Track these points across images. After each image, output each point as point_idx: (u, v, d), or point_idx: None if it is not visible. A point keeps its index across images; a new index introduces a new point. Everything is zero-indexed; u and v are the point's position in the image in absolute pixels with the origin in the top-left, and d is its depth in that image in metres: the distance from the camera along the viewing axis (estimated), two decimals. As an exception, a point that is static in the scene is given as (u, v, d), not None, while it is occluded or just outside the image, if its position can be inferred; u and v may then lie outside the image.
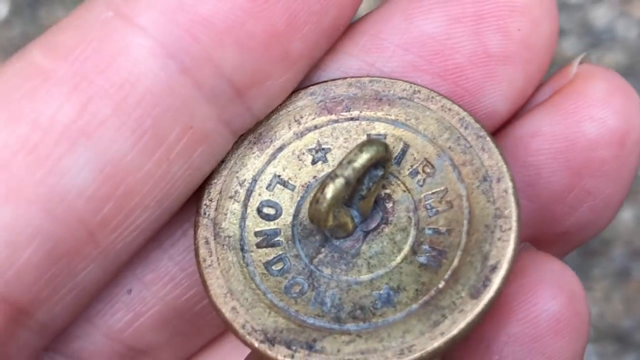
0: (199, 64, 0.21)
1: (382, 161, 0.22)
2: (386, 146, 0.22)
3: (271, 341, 0.21)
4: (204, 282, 0.22)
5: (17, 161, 0.20)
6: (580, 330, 0.22)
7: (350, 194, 0.22)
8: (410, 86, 0.23)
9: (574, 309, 0.22)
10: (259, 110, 0.23)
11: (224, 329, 0.25)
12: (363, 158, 0.21)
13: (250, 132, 0.23)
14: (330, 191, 0.21)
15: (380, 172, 0.22)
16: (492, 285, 0.21)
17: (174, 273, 0.24)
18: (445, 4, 0.23)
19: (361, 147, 0.21)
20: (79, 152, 0.20)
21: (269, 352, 0.20)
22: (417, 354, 0.20)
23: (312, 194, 0.22)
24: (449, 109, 0.23)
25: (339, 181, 0.21)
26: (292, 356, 0.20)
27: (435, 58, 0.23)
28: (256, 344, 0.21)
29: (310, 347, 0.20)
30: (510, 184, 0.22)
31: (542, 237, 0.24)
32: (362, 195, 0.22)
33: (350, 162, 0.21)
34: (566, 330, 0.22)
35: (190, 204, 0.23)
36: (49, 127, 0.20)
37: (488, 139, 0.22)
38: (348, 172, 0.21)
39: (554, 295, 0.22)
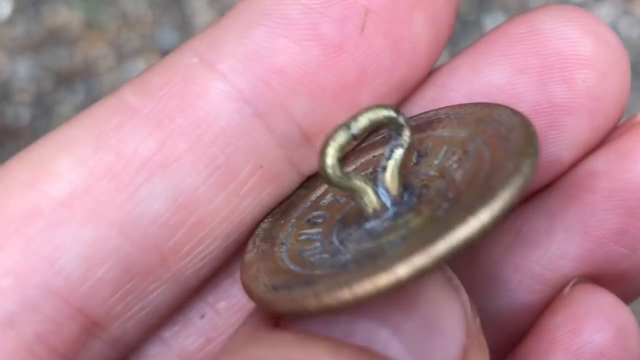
0: (271, 109, 0.23)
1: (395, 127, 0.22)
2: (397, 109, 0.22)
3: (275, 289, 0.21)
4: (241, 266, 0.23)
5: (101, 186, 0.22)
6: None
7: (373, 169, 0.23)
8: (457, 105, 0.24)
9: (621, 344, 0.22)
10: None
11: None
12: (367, 112, 0.21)
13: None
14: (331, 135, 0.21)
15: (399, 142, 0.22)
16: (489, 200, 0.20)
17: (243, 303, 0.25)
18: (511, 56, 0.24)
19: (367, 107, 0.22)
20: (156, 182, 0.22)
21: (273, 299, 0.21)
22: (401, 268, 0.19)
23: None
24: (489, 107, 0.23)
25: (340, 127, 0.21)
26: (290, 296, 0.21)
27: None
28: (264, 295, 0.21)
29: (307, 284, 0.21)
30: (525, 132, 0.21)
31: (601, 276, 0.24)
32: (384, 166, 0.22)
33: (354, 115, 0.22)
34: None
35: None
36: (131, 158, 0.22)
37: (517, 113, 0.22)
38: (349, 120, 0.21)
39: (601, 327, 0.22)
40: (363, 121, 0.22)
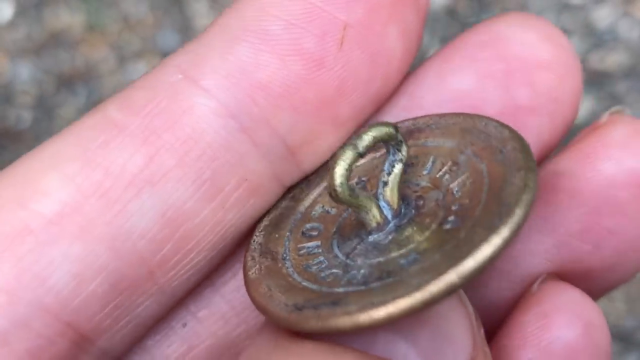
0: (256, 124, 0.23)
1: (394, 143, 0.23)
2: (396, 127, 0.23)
3: (300, 308, 0.22)
4: (246, 284, 0.23)
5: (89, 203, 0.22)
6: None
7: (374, 184, 0.24)
8: (436, 114, 0.24)
9: (590, 340, 0.23)
10: (308, 167, 0.25)
11: None
12: (371, 130, 0.22)
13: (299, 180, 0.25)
14: (339, 155, 0.22)
15: (398, 157, 0.23)
16: (507, 218, 0.21)
17: (225, 311, 0.26)
18: (476, 62, 0.25)
19: (370, 125, 0.22)
20: (144, 198, 0.22)
21: (297, 318, 0.21)
22: (433, 286, 0.20)
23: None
24: (471, 117, 0.24)
25: (347, 147, 0.22)
26: (318, 315, 0.21)
27: (469, 111, 0.25)
28: (287, 316, 0.22)
29: (335, 304, 0.21)
30: (519, 145, 0.22)
31: (568, 273, 0.25)
32: (385, 181, 0.23)
33: (359, 134, 0.22)
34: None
35: (240, 247, 0.25)
36: (119, 175, 0.22)
37: (505, 126, 0.23)
38: (355, 140, 0.22)
39: (570, 323, 0.23)
40: (368, 139, 0.22)
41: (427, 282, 0.20)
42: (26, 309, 0.22)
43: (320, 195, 0.25)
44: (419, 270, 0.21)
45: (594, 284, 0.25)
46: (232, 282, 0.26)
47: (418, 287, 0.20)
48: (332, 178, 0.22)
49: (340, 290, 0.22)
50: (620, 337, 0.63)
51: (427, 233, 0.23)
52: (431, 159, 0.24)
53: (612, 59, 0.76)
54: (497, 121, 0.24)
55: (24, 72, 0.82)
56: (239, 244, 0.25)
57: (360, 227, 0.24)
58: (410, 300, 0.20)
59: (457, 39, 0.25)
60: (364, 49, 0.23)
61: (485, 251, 0.20)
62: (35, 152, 0.23)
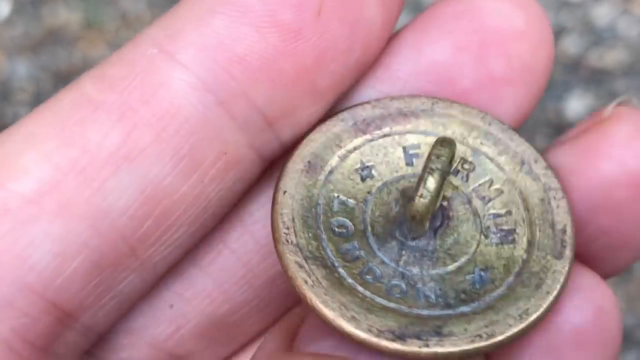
0: (233, 98, 0.23)
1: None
2: (454, 142, 0.23)
3: (401, 337, 0.22)
4: (311, 302, 0.22)
5: (68, 181, 0.22)
6: (606, 347, 0.23)
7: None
8: (428, 99, 0.25)
9: (600, 325, 0.23)
10: (287, 139, 0.24)
11: (254, 336, 0.27)
12: (447, 151, 0.22)
13: (299, 162, 0.24)
14: (432, 183, 0.22)
15: (447, 169, 0.23)
16: (568, 245, 0.23)
17: (210, 290, 0.25)
18: (451, 33, 0.25)
19: (441, 143, 0.23)
20: (122, 175, 0.22)
21: (403, 348, 0.22)
22: (533, 316, 0.22)
23: (415, 191, 0.23)
24: (469, 112, 0.24)
25: (438, 173, 0.22)
26: (427, 345, 0.22)
27: (445, 84, 0.25)
28: (388, 344, 0.22)
29: (438, 334, 0.22)
30: (546, 163, 0.24)
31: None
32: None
33: (438, 156, 0.22)
34: (590, 345, 0.23)
35: (223, 225, 0.25)
36: (96, 152, 0.22)
37: (512, 131, 0.24)
38: (441, 164, 0.22)
39: (580, 307, 0.23)
40: (446, 159, 0.22)
41: (527, 313, 0.22)
42: (9, 288, 0.22)
43: (327, 182, 0.24)
44: (505, 297, 0.23)
45: (597, 269, 0.25)
46: (216, 260, 0.25)
47: (521, 320, 0.22)
48: (423, 203, 0.22)
49: (427, 313, 0.22)
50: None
51: (474, 244, 0.23)
52: None
53: (611, 57, 0.75)
54: (499, 121, 0.24)
55: (21, 69, 0.82)
56: (220, 219, 0.25)
57: (393, 227, 0.24)
58: (515, 331, 0.22)
59: (432, 8, 0.25)
60: (342, 18, 0.23)
61: (565, 279, 0.23)
62: (11, 131, 0.23)
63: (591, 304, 0.23)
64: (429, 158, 0.22)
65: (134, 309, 0.25)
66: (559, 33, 0.79)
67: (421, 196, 0.22)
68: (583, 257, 0.25)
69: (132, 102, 0.22)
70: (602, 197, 0.24)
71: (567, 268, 0.23)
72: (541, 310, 0.22)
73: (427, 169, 0.22)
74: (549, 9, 0.80)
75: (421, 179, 0.22)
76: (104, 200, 0.22)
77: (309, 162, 0.24)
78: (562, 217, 0.23)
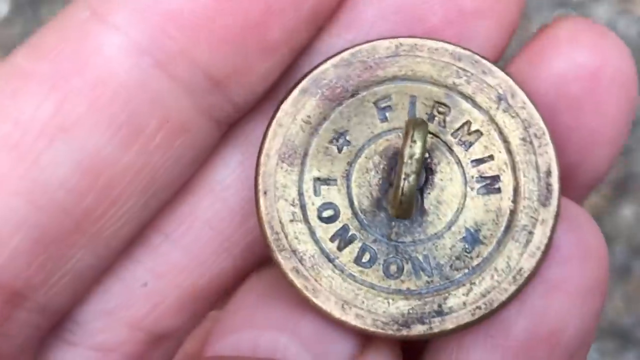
0: (173, 59, 0.22)
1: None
2: (424, 121, 0.23)
3: (405, 325, 0.22)
4: (315, 306, 0.23)
5: (1, 157, 0.21)
6: (594, 292, 0.23)
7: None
8: (391, 42, 0.24)
9: (587, 268, 0.23)
10: (240, 99, 0.23)
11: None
12: (419, 147, 0.22)
13: (272, 156, 0.23)
14: (408, 188, 0.22)
15: (420, 168, 0.23)
16: (554, 189, 0.23)
17: (184, 264, 0.25)
18: None
19: (412, 136, 0.22)
20: (57, 147, 0.21)
21: (408, 334, 0.22)
22: (527, 274, 0.22)
23: (390, 195, 0.23)
24: (436, 49, 0.24)
25: (412, 178, 0.22)
26: (430, 328, 0.22)
27: (413, 23, 0.24)
28: (394, 334, 0.22)
29: (440, 313, 0.22)
30: (524, 96, 0.23)
31: None
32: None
33: (412, 155, 0.22)
34: (575, 289, 0.23)
35: (192, 195, 0.24)
36: (29, 125, 0.21)
37: (484, 61, 0.23)
38: (414, 167, 0.22)
39: (568, 254, 0.23)
40: (419, 151, 0.22)
41: (520, 273, 0.22)
42: None
43: (303, 165, 0.23)
44: (497, 257, 0.23)
45: (568, 187, 0.25)
46: (189, 232, 0.25)
47: (515, 282, 0.22)
48: (404, 208, 0.22)
49: (427, 291, 0.23)
50: (619, 335, 0.63)
51: (459, 198, 0.23)
52: (408, 99, 0.23)
53: (610, 56, 0.75)
54: (470, 52, 0.23)
55: (20, 69, 0.81)
56: (178, 188, 0.24)
57: (378, 195, 0.23)
58: (511, 293, 0.22)
59: None
60: None
61: (552, 228, 0.23)
62: None
63: (580, 247, 0.23)
64: (401, 159, 0.22)
65: (106, 291, 0.25)
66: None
67: (400, 203, 0.22)
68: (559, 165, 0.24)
69: (64, 70, 0.21)
70: (559, 95, 0.24)
71: (554, 216, 0.23)
72: (533, 267, 0.23)
73: (402, 174, 0.22)
74: (547, 8, 0.80)
75: (397, 187, 0.22)
76: (40, 174, 0.21)
77: (282, 152, 0.23)
78: (545, 158, 0.23)
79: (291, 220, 0.23)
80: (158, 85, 0.22)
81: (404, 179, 0.22)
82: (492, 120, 0.23)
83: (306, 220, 0.23)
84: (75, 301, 0.24)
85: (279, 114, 0.23)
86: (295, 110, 0.23)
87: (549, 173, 0.23)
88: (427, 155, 0.23)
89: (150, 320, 0.25)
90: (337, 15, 0.24)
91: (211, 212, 0.25)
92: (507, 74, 0.24)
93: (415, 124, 0.22)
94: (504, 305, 0.23)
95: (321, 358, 0.23)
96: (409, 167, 0.22)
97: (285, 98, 0.24)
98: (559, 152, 0.24)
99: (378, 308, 0.23)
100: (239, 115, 0.24)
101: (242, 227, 0.25)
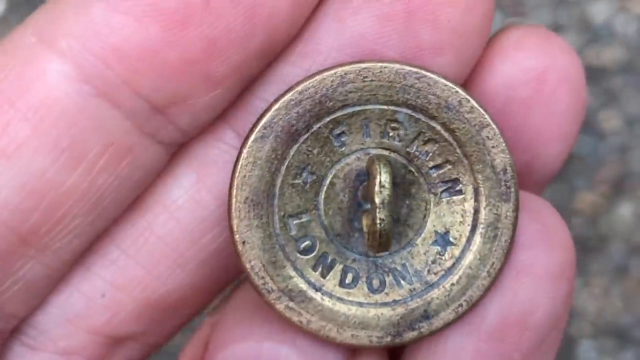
0: (114, 87, 0.22)
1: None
2: (387, 157, 0.24)
3: (398, 334, 0.24)
4: (313, 334, 0.24)
5: None
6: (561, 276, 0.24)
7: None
8: (336, 71, 0.24)
9: (552, 252, 0.24)
10: (185, 125, 0.24)
11: (203, 308, 0.28)
12: (387, 190, 0.23)
13: (244, 205, 0.24)
14: (385, 231, 0.23)
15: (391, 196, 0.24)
16: (512, 186, 0.24)
17: (141, 276, 0.26)
18: (374, 3, 0.24)
19: (380, 183, 0.23)
20: (0, 170, 0.22)
21: (401, 341, 0.24)
22: (498, 266, 0.24)
23: (366, 234, 0.24)
24: (380, 71, 0.24)
25: (387, 222, 0.23)
26: (420, 332, 0.24)
27: (369, 57, 0.24)
28: (389, 344, 0.24)
29: (427, 317, 0.24)
30: (469, 98, 0.24)
31: None
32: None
33: (382, 201, 0.23)
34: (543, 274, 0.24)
35: (148, 211, 0.25)
36: None
37: (429, 74, 0.24)
38: (386, 210, 0.23)
39: (532, 242, 0.24)
40: (386, 189, 0.23)
41: (494, 267, 0.24)
42: None
43: (277, 205, 0.24)
44: (470, 256, 0.24)
45: (523, 182, 0.25)
46: (144, 247, 0.25)
47: (490, 276, 0.23)
48: (383, 241, 0.23)
49: (412, 300, 0.24)
50: (617, 334, 0.63)
51: (427, 206, 0.24)
52: (361, 121, 0.24)
53: (608, 55, 0.75)
54: (414, 68, 0.24)
55: (16, 68, 0.81)
56: (126, 206, 0.24)
57: (349, 217, 0.24)
58: (487, 287, 0.24)
59: None
60: (236, 4, 0.22)
61: (514, 221, 0.24)
62: None
63: (543, 234, 0.24)
64: (373, 205, 0.23)
65: (66, 300, 0.25)
66: (555, 30, 0.79)
67: (379, 236, 0.23)
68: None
69: (9, 94, 0.22)
70: (508, 98, 0.25)
71: (515, 209, 0.24)
72: (504, 260, 0.24)
73: (373, 205, 0.23)
74: (545, 6, 0.80)
75: (374, 232, 0.23)
76: None
77: (250, 199, 0.24)
78: (500, 157, 0.24)
79: (274, 262, 0.24)
80: (100, 111, 0.23)
81: (379, 223, 0.23)
82: (445, 127, 0.24)
83: (287, 258, 0.24)
84: (32, 307, 0.25)
85: (241, 163, 0.24)
86: (255, 157, 0.24)
87: (505, 170, 0.24)
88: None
89: (110, 327, 0.26)
90: (294, 43, 0.24)
91: (165, 229, 0.26)
92: (453, 83, 0.24)
93: (377, 159, 0.23)
94: (482, 298, 0.24)
95: None
96: (382, 212, 0.23)
97: (242, 146, 0.24)
98: (513, 151, 0.25)
99: (370, 324, 0.24)
100: (188, 139, 0.25)
101: (195, 244, 0.26)
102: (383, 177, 0.23)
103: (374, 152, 0.24)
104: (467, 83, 0.25)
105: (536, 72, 0.25)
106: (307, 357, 0.24)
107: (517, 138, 0.25)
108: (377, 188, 0.23)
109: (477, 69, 0.25)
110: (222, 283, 0.27)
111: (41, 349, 0.26)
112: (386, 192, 0.23)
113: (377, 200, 0.23)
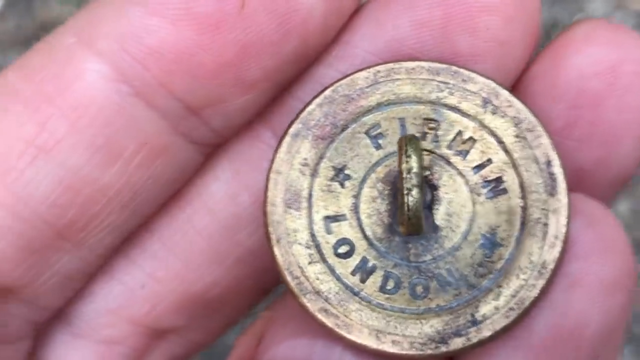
0: (150, 88, 0.23)
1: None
2: (414, 136, 0.23)
3: (443, 342, 0.23)
4: (350, 341, 0.23)
5: None
6: (622, 287, 0.23)
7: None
8: (368, 71, 0.24)
9: (608, 256, 0.23)
10: (219, 126, 0.24)
11: (248, 309, 0.28)
12: (415, 160, 0.22)
13: (277, 205, 0.24)
14: (413, 202, 0.22)
15: (421, 180, 0.23)
16: (558, 178, 0.23)
17: (179, 269, 0.26)
18: (413, 9, 0.24)
19: (406, 151, 0.22)
20: (39, 165, 0.23)
21: (448, 350, 0.23)
22: (551, 266, 0.22)
23: (399, 213, 0.23)
24: (413, 69, 0.24)
25: (415, 192, 0.22)
26: (468, 339, 0.22)
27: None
28: (433, 352, 0.23)
29: (474, 323, 0.22)
30: (507, 92, 0.23)
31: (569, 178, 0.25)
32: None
33: (410, 170, 0.22)
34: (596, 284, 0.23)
35: (188, 205, 0.26)
36: (14, 142, 0.23)
37: (462, 70, 0.24)
38: (415, 180, 0.22)
39: (589, 246, 0.23)
40: (416, 168, 0.22)
41: (545, 266, 0.22)
42: None
43: (310, 208, 0.24)
44: (519, 256, 0.23)
45: (593, 186, 0.25)
46: (183, 240, 0.26)
47: (542, 276, 0.22)
48: (413, 222, 0.22)
49: (457, 304, 0.23)
50: (614, 330, 0.63)
51: (469, 207, 0.23)
52: (398, 123, 0.24)
53: (606, 51, 0.75)
54: (447, 65, 0.24)
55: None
56: (161, 204, 0.25)
57: (390, 221, 0.24)
58: (541, 289, 0.22)
59: None
60: (270, 10, 0.23)
61: (567, 215, 0.23)
62: None
63: (599, 241, 0.23)
64: (400, 177, 0.22)
65: (108, 291, 0.26)
66: (553, 27, 0.79)
67: (409, 219, 0.22)
68: (583, 164, 0.25)
69: (48, 92, 0.23)
70: (581, 91, 0.24)
71: (565, 202, 0.23)
72: (556, 258, 0.23)
73: (404, 190, 0.22)
74: (543, 2, 0.80)
75: (402, 204, 0.22)
76: (23, 189, 0.23)
77: (287, 199, 0.24)
78: (542, 149, 0.23)
79: (309, 263, 0.23)
80: (136, 111, 0.23)
81: (407, 194, 0.22)
82: (482, 124, 0.23)
83: (324, 259, 0.23)
84: (66, 299, 0.26)
85: (276, 162, 0.24)
86: (291, 156, 0.24)
87: (549, 163, 0.23)
88: (427, 172, 0.24)
89: (150, 318, 0.26)
90: (331, 47, 0.25)
91: (203, 223, 0.26)
92: (486, 77, 0.24)
93: (406, 140, 0.23)
94: (535, 301, 0.23)
95: None
96: (409, 182, 0.22)
97: (278, 145, 0.24)
98: (586, 147, 0.24)
99: (413, 330, 0.23)
100: (222, 139, 0.25)
101: (229, 241, 0.26)
102: (410, 149, 0.22)
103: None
104: (537, 74, 0.25)
105: (609, 64, 0.24)
106: (362, 359, 0.23)
107: (590, 133, 0.25)
108: (403, 158, 0.22)
109: (549, 60, 0.25)
110: (264, 283, 0.27)
111: (85, 337, 0.26)
112: (413, 162, 0.22)
113: (403, 169, 0.22)
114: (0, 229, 0.23)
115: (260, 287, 0.28)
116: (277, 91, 0.25)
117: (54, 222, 0.23)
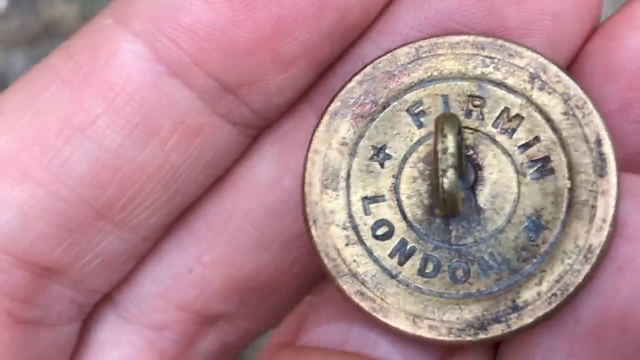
0: (184, 67, 0.23)
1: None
2: (453, 114, 0.22)
3: (482, 327, 0.22)
4: (386, 325, 0.22)
5: (27, 149, 0.23)
6: None
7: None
8: (410, 47, 0.23)
9: None
10: (260, 106, 0.24)
11: (299, 297, 0.27)
12: (451, 140, 0.21)
13: (314, 186, 0.23)
14: (448, 184, 0.21)
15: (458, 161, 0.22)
16: (608, 157, 0.21)
17: (227, 254, 0.26)
18: None
19: (442, 131, 0.21)
20: (75, 144, 0.23)
21: (487, 337, 0.21)
22: (597, 251, 0.21)
23: (436, 192, 0.22)
24: (457, 43, 0.23)
25: (450, 172, 0.21)
26: (508, 325, 0.21)
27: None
28: (472, 339, 0.22)
29: (515, 308, 0.21)
30: (555, 68, 0.22)
31: (622, 161, 0.23)
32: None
33: (445, 150, 0.21)
34: None
35: (233, 189, 0.25)
36: (52, 122, 0.23)
37: (509, 44, 0.22)
38: (450, 160, 0.21)
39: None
40: (452, 147, 0.21)
41: (591, 251, 0.21)
42: None
43: (348, 189, 0.23)
44: (564, 240, 0.21)
45: None
46: (230, 224, 0.26)
47: (587, 261, 0.21)
48: (449, 203, 0.21)
49: (497, 288, 0.22)
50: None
51: (514, 188, 0.22)
52: (440, 100, 0.23)
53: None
54: (492, 38, 0.22)
55: (18, 63, 0.82)
56: (207, 185, 0.25)
57: (430, 202, 0.23)
58: (585, 275, 0.21)
59: None
60: None
61: (616, 197, 0.21)
62: None
63: None
64: (435, 157, 0.21)
65: (157, 275, 0.26)
66: None
67: (444, 201, 0.21)
68: (638, 142, 0.23)
69: (85, 72, 0.23)
70: (633, 71, 0.23)
71: (614, 182, 0.21)
72: (603, 242, 0.21)
73: (439, 171, 0.21)
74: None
75: (437, 185, 0.21)
76: (61, 168, 0.23)
77: (324, 179, 0.23)
78: (592, 127, 0.22)
79: (346, 244, 0.23)
80: (171, 90, 0.23)
81: (442, 176, 0.21)
82: (529, 101, 0.22)
83: (361, 241, 0.23)
84: (114, 282, 0.26)
85: (314, 142, 0.23)
86: (329, 135, 0.23)
87: (599, 142, 0.22)
88: (471, 151, 0.23)
89: (198, 303, 0.26)
90: (374, 23, 0.24)
91: (249, 207, 0.26)
92: (534, 51, 0.22)
93: (443, 119, 0.22)
94: (580, 288, 0.21)
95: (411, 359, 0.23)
96: (444, 163, 0.21)
97: (317, 124, 0.23)
98: (638, 130, 0.23)
99: (451, 316, 0.22)
100: (266, 121, 0.25)
101: (276, 224, 0.26)
102: (446, 128, 0.21)
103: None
104: (595, 49, 0.23)
105: None
106: (398, 349, 0.23)
107: None
108: (439, 137, 0.21)
109: (607, 35, 0.23)
110: (312, 269, 0.26)
111: (134, 322, 0.26)
112: (449, 142, 0.21)
113: (439, 149, 0.21)
114: (40, 208, 0.23)
115: (308, 273, 0.27)
116: (319, 69, 0.24)
117: (93, 202, 0.23)
